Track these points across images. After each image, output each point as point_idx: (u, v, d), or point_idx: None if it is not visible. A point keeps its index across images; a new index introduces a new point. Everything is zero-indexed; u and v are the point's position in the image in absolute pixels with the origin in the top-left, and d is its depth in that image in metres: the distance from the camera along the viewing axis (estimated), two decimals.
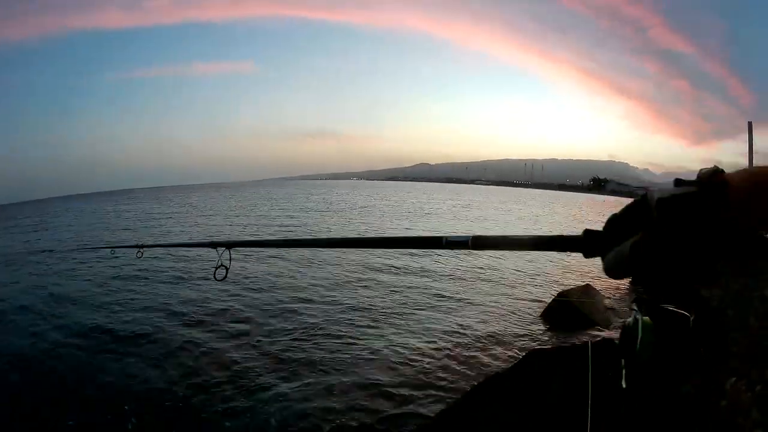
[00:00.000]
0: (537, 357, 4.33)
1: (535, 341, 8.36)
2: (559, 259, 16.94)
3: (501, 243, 0.93)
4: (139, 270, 13.94)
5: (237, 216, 35.77)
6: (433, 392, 6.42)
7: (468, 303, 10.83)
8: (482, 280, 13.22)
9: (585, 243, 0.74)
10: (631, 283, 0.67)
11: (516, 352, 7.58)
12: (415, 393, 6.41)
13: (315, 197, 67.71)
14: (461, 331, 8.78)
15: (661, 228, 0.58)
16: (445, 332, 8.69)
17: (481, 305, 10.63)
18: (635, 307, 0.69)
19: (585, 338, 4.38)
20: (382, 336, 8.64)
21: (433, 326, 9.06)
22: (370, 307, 10.57)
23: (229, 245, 1.66)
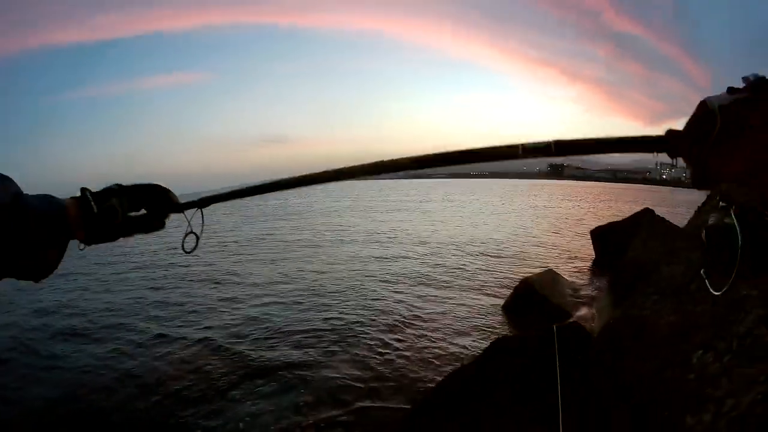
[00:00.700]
0: (502, 346, 4.29)
1: (499, 331, 8.37)
2: (518, 249, 17.16)
3: (584, 145, 0.86)
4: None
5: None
6: (400, 387, 6.35)
7: (429, 298, 10.77)
8: (442, 275, 13.17)
9: (669, 143, 0.74)
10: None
11: (481, 343, 7.54)
12: (380, 388, 6.35)
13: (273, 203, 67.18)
14: (424, 326, 8.75)
15: (726, 132, 0.61)
16: (407, 328, 8.65)
17: (443, 300, 10.61)
18: (724, 204, 0.71)
19: (550, 323, 4.34)
20: (343, 333, 8.56)
21: (395, 322, 8.98)
22: (330, 302, 10.53)
23: (202, 204, 1.12)
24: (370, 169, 1.03)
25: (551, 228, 24.26)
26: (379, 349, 7.64)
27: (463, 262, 14.89)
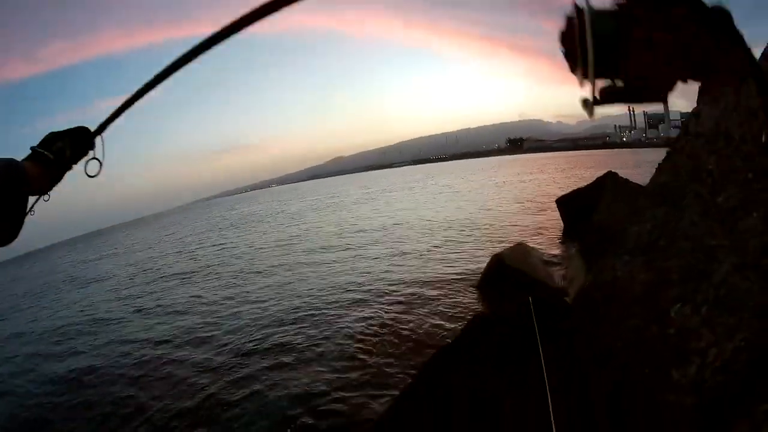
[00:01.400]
0: (480, 322, 4.25)
1: (476, 308, 8.38)
2: (487, 227, 17.24)
3: None
4: None
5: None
6: (380, 376, 6.34)
7: (400, 288, 10.67)
8: (412, 258, 13.17)
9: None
10: None
11: (459, 324, 7.50)
12: (361, 378, 6.34)
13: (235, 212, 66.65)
14: (398, 315, 8.69)
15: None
16: (380, 319, 8.61)
17: (416, 282, 10.60)
18: None
19: (526, 296, 4.33)
20: (320, 323, 8.71)
21: (369, 315, 8.95)
22: (301, 298, 10.58)
23: (99, 129, 1.40)
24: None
25: (516, 202, 24.39)
26: (355, 342, 7.63)
27: (430, 247, 14.90)
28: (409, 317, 8.43)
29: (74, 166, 1.36)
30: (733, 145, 3.01)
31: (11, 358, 10.86)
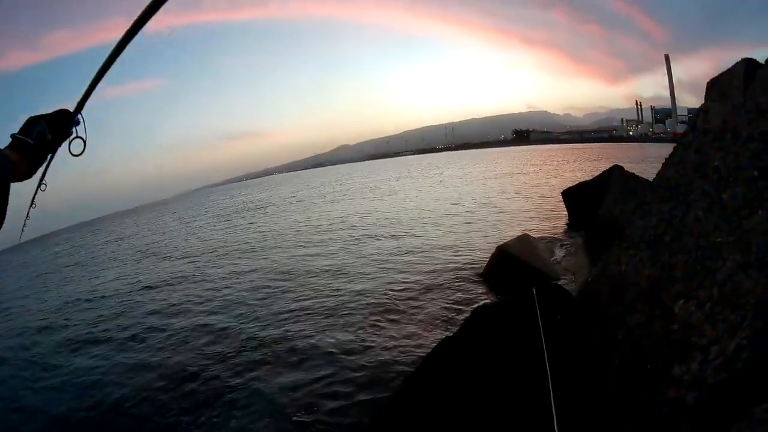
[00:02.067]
0: (484, 313, 4.28)
1: (480, 300, 8.39)
2: (493, 217, 17.19)
3: None
4: None
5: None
6: (385, 366, 6.34)
7: (406, 274, 10.75)
8: (415, 252, 13.12)
9: None
10: None
11: (463, 314, 7.51)
12: (367, 367, 6.36)
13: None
14: (404, 304, 8.73)
15: None
16: (387, 308, 8.65)
17: (420, 274, 10.59)
18: None
19: (530, 287, 4.34)
20: (328, 313, 8.68)
21: (375, 302, 9.01)
22: (304, 291, 10.51)
23: (78, 107, 1.41)
24: None
25: (522, 193, 24.31)
26: (362, 332, 7.63)
27: (436, 237, 14.88)
28: (414, 305, 8.48)
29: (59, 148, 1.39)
30: (740, 143, 3.01)
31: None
